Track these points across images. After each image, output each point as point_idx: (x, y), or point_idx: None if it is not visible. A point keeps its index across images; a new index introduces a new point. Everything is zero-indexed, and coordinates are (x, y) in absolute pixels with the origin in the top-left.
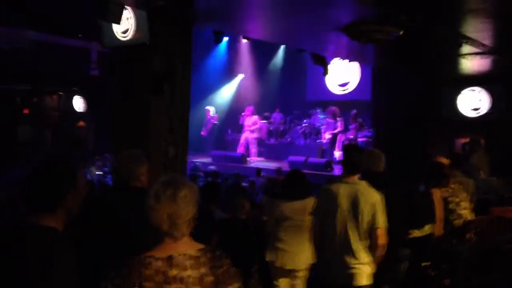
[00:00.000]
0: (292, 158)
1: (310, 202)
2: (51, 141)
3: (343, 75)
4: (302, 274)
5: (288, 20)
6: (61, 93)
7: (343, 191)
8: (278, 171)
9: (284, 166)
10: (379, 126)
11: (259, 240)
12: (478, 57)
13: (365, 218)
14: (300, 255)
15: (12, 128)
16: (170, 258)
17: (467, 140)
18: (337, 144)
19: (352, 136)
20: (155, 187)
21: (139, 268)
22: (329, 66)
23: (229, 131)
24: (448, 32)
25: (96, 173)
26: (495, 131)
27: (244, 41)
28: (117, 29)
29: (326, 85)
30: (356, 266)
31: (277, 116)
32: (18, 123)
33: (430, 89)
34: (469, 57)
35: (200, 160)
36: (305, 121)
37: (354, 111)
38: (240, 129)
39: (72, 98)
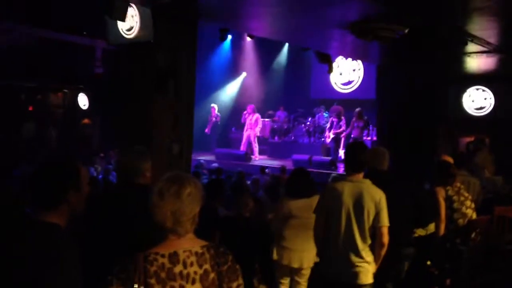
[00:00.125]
0: (296, 156)
1: (315, 201)
2: (56, 139)
3: (347, 73)
4: (307, 272)
5: (293, 18)
6: (66, 90)
7: (347, 190)
8: (282, 169)
9: (288, 164)
10: (383, 125)
11: (263, 237)
12: (483, 55)
13: (370, 216)
14: (307, 253)
15: (16, 125)
16: (174, 255)
17: (472, 139)
18: (342, 143)
19: (356, 135)
20: (159, 184)
21: (143, 265)
22: (333, 65)
23: (233, 129)
24: (454, 31)
25: (101, 170)
26: (500, 130)
27: (249, 39)
28: (122, 26)
29: (330, 84)
30: (361, 264)
31: (281, 114)
32: (22, 120)
33: (435, 87)
34: (475, 55)
35: (204, 157)
36: (309, 119)
37: (359, 108)
38: (243, 127)
39: (77, 96)
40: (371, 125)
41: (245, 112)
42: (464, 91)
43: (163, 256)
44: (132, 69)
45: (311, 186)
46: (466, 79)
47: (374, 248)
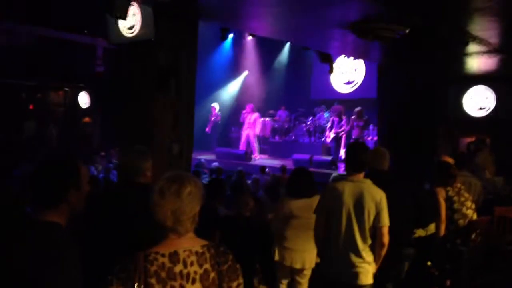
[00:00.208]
0: (296, 156)
1: (316, 201)
2: (56, 137)
3: (348, 73)
4: (308, 273)
5: (293, 18)
6: (66, 89)
7: (348, 190)
8: (282, 169)
9: (288, 164)
10: (384, 124)
11: (263, 237)
12: (484, 56)
13: (370, 216)
14: (308, 253)
15: (17, 124)
16: (174, 254)
17: (473, 139)
18: (342, 143)
19: (357, 135)
20: (160, 183)
21: (143, 264)
22: (334, 64)
23: (234, 128)
24: (455, 31)
25: (101, 169)
26: (500, 131)
27: (250, 38)
28: (123, 25)
29: (331, 83)
30: (361, 265)
31: (282, 114)
32: (23, 119)
33: (436, 88)
34: (476, 56)
35: (204, 157)
36: (309, 119)
37: (359, 108)
38: (242, 126)
39: (77, 94)
40: (371, 125)
41: (244, 111)
42: (465, 91)
43: (163, 255)
44: (133, 68)
45: (312, 186)
46: (467, 79)
47: (374, 248)
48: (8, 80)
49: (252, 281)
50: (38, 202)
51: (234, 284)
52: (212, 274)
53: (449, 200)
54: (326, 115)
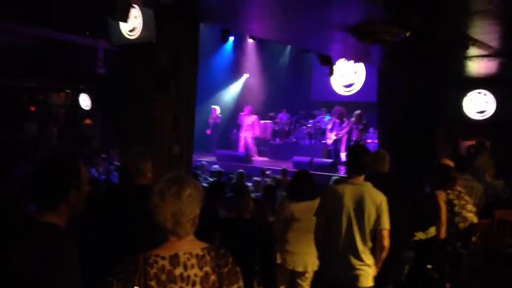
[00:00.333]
0: (296, 158)
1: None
2: (57, 138)
3: (348, 76)
4: (310, 276)
5: (293, 20)
6: (67, 90)
7: (348, 192)
8: (283, 171)
9: (289, 166)
10: (384, 126)
11: (263, 239)
12: (484, 59)
13: (371, 219)
14: (310, 256)
15: (18, 125)
16: (175, 257)
17: (473, 142)
18: (343, 145)
19: (356, 138)
20: (160, 185)
21: (144, 267)
22: (334, 67)
23: (234, 130)
24: (455, 34)
25: (102, 170)
26: (501, 134)
27: (250, 40)
28: (124, 27)
29: (331, 86)
30: (361, 267)
31: (283, 116)
32: (24, 120)
33: (436, 91)
34: (476, 59)
35: (205, 159)
36: (310, 121)
37: (359, 111)
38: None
39: (78, 96)
40: (371, 128)
41: (241, 113)
42: (465, 94)
43: (163, 258)
44: (134, 70)
45: (313, 188)
46: (467, 83)
47: (375, 251)
48: (9, 81)
49: (252, 283)
50: (38, 202)
51: (235, 287)
52: (213, 277)
53: (449, 203)
54: (326, 118)
